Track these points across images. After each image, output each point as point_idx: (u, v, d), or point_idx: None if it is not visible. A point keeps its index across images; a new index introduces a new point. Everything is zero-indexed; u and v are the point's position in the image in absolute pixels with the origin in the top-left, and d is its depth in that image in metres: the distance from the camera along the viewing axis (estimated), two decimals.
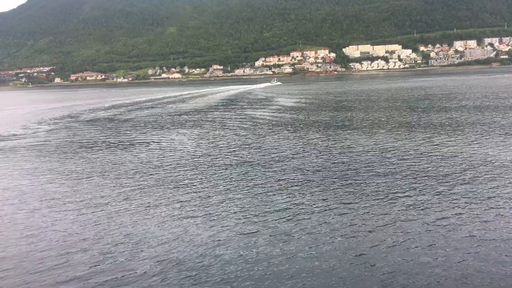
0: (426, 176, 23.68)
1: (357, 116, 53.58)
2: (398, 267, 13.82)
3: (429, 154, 28.68)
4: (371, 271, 13.68)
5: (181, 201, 21.18)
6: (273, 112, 62.94)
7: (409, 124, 43.48)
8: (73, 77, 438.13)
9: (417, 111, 55.34)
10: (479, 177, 23.05)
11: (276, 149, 33.67)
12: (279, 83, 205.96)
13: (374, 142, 34.07)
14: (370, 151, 30.69)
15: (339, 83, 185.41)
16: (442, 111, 52.33)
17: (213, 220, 18.45)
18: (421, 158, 27.65)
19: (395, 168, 25.44)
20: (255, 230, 17.09)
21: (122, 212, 20.02)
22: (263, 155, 31.40)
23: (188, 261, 14.76)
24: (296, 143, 35.91)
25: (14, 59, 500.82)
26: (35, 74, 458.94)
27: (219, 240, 16.39)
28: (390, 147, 31.60)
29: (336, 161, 28.18)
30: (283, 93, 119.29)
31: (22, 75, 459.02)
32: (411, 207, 18.96)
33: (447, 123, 42.64)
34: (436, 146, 31.06)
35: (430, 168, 25.14)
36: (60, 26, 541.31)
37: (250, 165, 28.18)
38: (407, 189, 21.48)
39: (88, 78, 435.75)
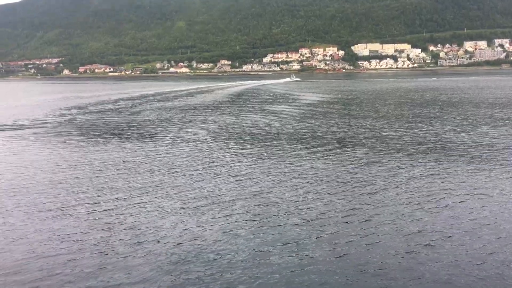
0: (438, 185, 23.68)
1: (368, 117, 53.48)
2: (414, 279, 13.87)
3: (444, 167, 28.69)
4: (382, 278, 13.74)
5: (190, 197, 21.24)
6: (296, 107, 63.02)
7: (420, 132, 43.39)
8: (81, 69, 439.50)
9: (430, 116, 55.05)
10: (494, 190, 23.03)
11: (291, 148, 33.73)
12: (298, 78, 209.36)
13: (389, 153, 34.09)
14: (382, 158, 30.77)
15: (349, 81, 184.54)
16: (459, 119, 51.53)
17: (222, 217, 18.48)
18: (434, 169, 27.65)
19: (408, 178, 25.49)
20: (265, 232, 17.11)
21: (128, 206, 20.09)
22: (277, 154, 31.46)
23: (197, 260, 14.80)
24: (310, 143, 35.99)
25: (23, 50, 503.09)
26: (44, 65, 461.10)
27: (228, 238, 16.43)
28: (406, 158, 31.64)
29: (349, 165, 28.24)
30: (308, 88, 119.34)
31: (31, 66, 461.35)
32: (423, 216, 19.00)
33: (465, 135, 42.34)
34: (451, 163, 31.02)
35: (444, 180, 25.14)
36: (70, 18, 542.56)
37: (263, 164, 28.23)
38: (419, 197, 21.52)
39: (96, 70, 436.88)
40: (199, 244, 16.02)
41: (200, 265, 14.45)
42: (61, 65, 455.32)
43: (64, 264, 14.73)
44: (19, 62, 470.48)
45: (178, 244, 16.07)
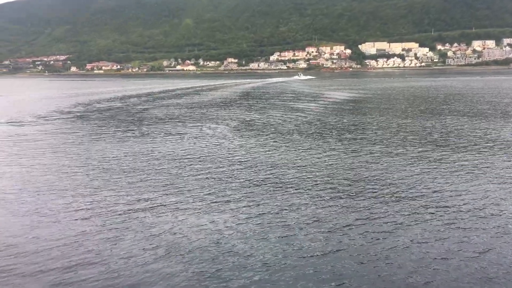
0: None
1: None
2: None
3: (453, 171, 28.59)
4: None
5: (206, 196, 21.30)
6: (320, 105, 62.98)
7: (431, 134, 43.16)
8: (88, 66, 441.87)
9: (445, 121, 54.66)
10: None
11: (310, 147, 33.76)
12: (308, 77, 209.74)
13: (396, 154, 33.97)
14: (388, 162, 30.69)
15: (357, 80, 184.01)
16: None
17: (228, 215, 18.52)
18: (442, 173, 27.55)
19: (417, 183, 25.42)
20: (271, 230, 17.16)
21: (144, 205, 20.17)
22: (289, 155, 31.49)
23: (204, 258, 14.90)
24: (324, 146, 36.00)
25: (31, 47, 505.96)
26: (52, 62, 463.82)
27: (234, 236, 16.49)
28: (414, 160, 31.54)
29: (356, 166, 28.24)
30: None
31: (39, 63, 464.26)
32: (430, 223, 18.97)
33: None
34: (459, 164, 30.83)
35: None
36: (77, 15, 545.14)
37: (272, 164, 28.28)
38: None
39: (103, 67, 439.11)
40: (218, 246, 16.01)
41: (222, 269, 14.52)
42: (68, 62, 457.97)
43: (79, 267, 14.83)
44: (27, 59, 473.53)
45: (195, 245, 16.11)
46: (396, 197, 20.79)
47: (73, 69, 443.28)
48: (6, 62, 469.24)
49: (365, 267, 14.17)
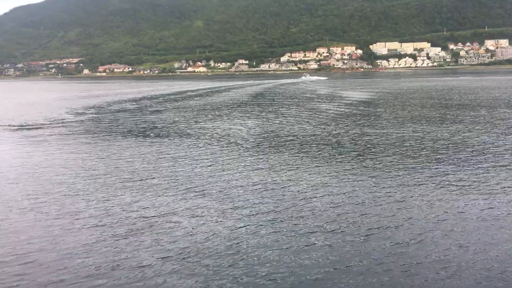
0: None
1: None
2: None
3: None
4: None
5: (212, 202, 21.35)
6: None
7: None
8: (101, 68, 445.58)
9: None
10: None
11: (319, 153, 33.74)
12: (316, 77, 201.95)
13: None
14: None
15: (369, 80, 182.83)
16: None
17: (244, 222, 18.55)
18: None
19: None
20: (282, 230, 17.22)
21: (149, 208, 20.26)
22: (303, 162, 31.46)
23: (210, 256, 14.98)
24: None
25: (44, 50, 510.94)
26: (65, 65, 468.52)
27: (251, 243, 16.54)
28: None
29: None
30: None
31: (52, 65, 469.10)
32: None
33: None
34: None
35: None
36: (90, 18, 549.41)
37: (288, 170, 28.30)
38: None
39: (115, 70, 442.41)
40: (234, 254, 16.08)
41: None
42: (81, 65, 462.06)
43: (94, 273, 14.94)
44: (40, 62, 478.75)
45: (210, 252, 16.20)
46: (416, 208, 20.74)
47: (86, 71, 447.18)
48: (20, 65, 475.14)
49: (386, 279, 14.15)
